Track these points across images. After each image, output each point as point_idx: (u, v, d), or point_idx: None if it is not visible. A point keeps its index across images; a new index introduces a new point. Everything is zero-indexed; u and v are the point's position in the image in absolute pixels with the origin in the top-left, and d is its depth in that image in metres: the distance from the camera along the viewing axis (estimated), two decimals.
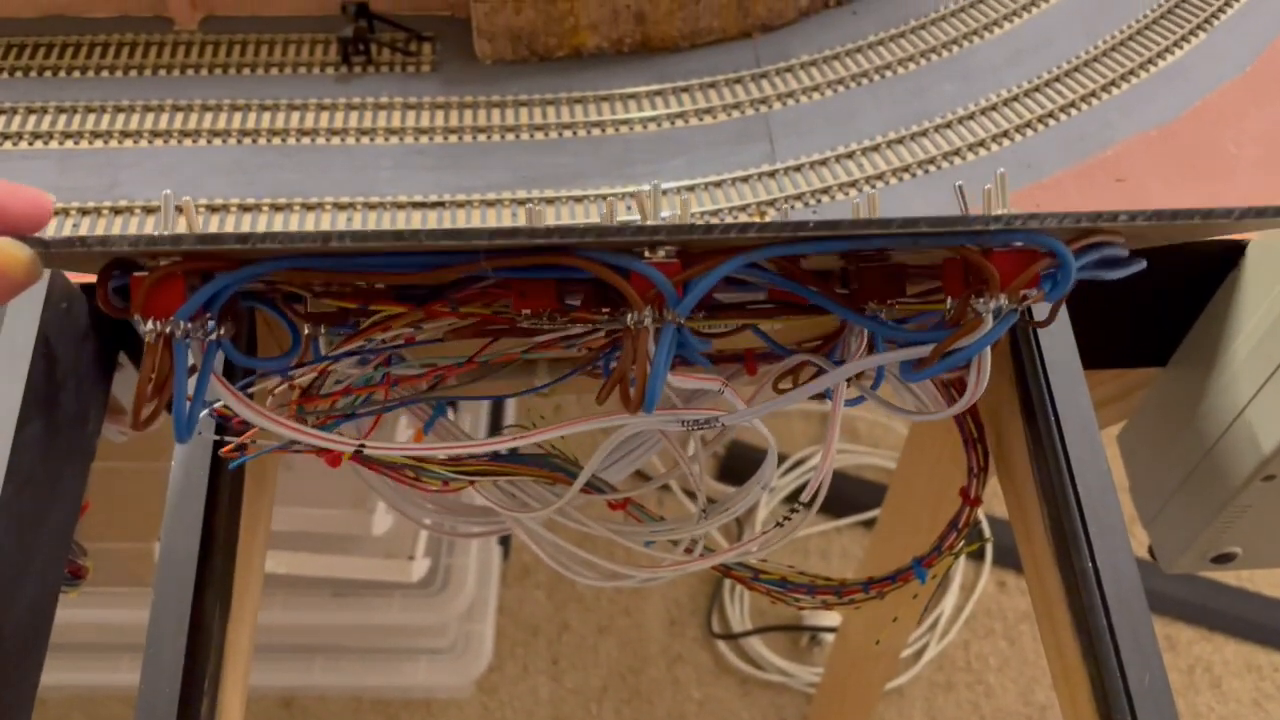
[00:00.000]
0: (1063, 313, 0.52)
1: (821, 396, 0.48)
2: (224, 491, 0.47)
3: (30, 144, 0.60)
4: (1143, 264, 0.37)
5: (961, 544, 0.54)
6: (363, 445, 0.36)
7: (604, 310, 0.34)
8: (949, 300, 0.35)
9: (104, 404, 0.54)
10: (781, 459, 1.43)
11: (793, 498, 1.47)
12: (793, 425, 1.52)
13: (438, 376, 0.42)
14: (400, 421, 0.90)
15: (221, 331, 0.33)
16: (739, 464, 1.40)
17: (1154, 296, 0.57)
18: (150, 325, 0.31)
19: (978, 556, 1.43)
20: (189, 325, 0.32)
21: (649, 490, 0.50)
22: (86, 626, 1.15)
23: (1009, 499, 0.52)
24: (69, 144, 0.60)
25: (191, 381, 0.33)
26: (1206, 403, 0.56)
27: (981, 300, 0.33)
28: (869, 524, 1.42)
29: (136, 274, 0.32)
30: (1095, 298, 0.54)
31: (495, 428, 1.26)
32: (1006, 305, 0.33)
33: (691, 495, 0.90)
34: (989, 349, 0.36)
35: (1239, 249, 0.54)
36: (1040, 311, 0.40)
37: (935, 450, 0.83)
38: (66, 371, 0.51)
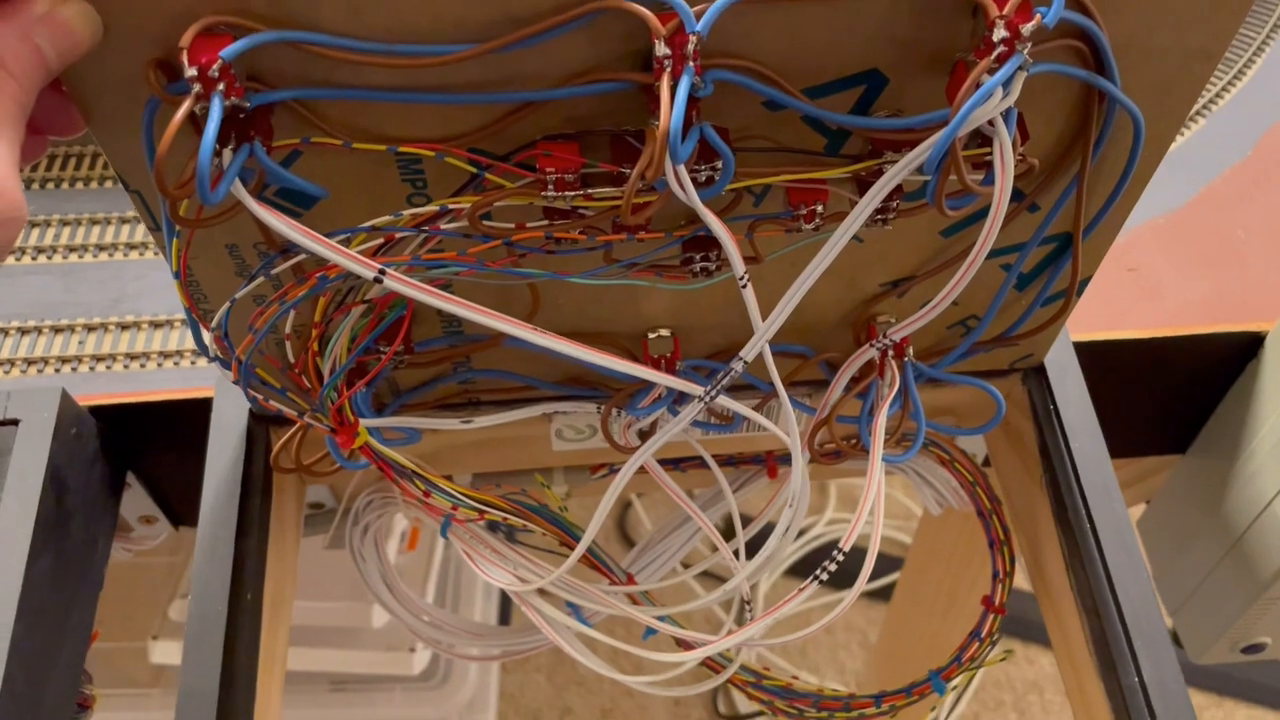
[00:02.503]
0: (1090, 413, 0.52)
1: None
2: (244, 628, 0.46)
3: (34, 259, 0.59)
4: None
5: (986, 653, 0.53)
6: (383, 270, 0.33)
7: (625, 166, 0.34)
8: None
9: (113, 527, 0.53)
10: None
11: (797, 570, 1.45)
12: None
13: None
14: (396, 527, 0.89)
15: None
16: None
17: (1173, 385, 0.57)
18: (192, 70, 0.30)
19: None
20: (230, 70, 0.30)
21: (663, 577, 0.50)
22: None
23: (1044, 605, 0.51)
24: (74, 258, 0.59)
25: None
26: (1232, 493, 0.55)
27: (985, 34, 0.31)
28: (875, 594, 1.40)
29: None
30: (1115, 385, 0.54)
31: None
32: (1009, 38, 0.31)
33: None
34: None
35: (1258, 340, 0.54)
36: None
37: (950, 542, 0.82)
38: (76, 500, 0.50)
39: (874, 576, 1.43)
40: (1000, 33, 0.32)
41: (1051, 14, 0.32)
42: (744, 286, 0.37)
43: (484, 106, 0.35)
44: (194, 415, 0.49)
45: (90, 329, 0.56)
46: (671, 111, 0.31)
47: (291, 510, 0.51)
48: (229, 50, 0.30)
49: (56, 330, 0.54)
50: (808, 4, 0.33)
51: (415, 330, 0.45)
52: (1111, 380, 0.48)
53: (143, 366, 0.54)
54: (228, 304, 0.37)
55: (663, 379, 0.40)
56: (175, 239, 0.35)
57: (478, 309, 0.35)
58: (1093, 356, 0.52)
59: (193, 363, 0.55)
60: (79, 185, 0.64)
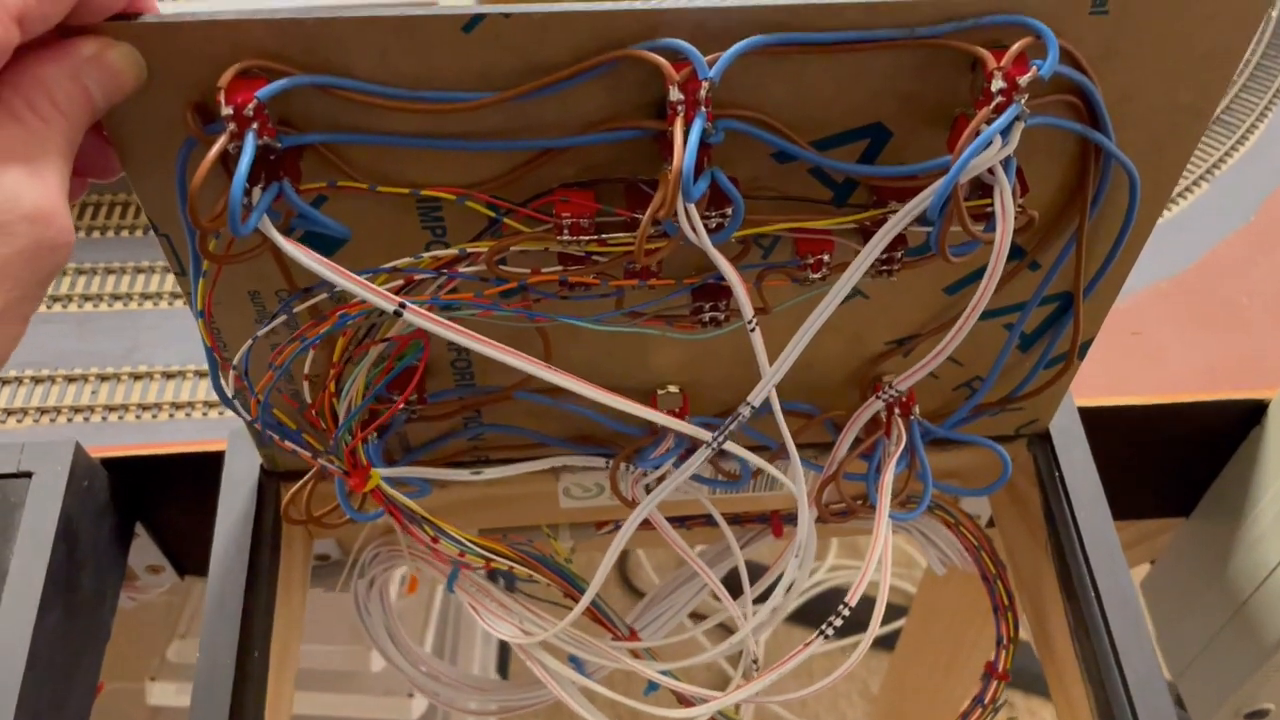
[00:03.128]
0: (1095, 481, 0.52)
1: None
2: (251, 683, 0.46)
3: (49, 307, 0.60)
4: None
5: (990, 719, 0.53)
6: (403, 304, 0.34)
7: (639, 213, 0.35)
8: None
9: (121, 579, 0.53)
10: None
11: (797, 617, 1.42)
12: None
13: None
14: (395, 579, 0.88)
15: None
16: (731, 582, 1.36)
17: (1177, 450, 0.58)
18: (228, 110, 0.31)
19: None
20: (264, 111, 0.32)
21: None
22: None
23: (1048, 670, 0.51)
24: (89, 306, 0.60)
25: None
26: (1235, 558, 0.55)
27: (984, 86, 0.33)
28: (878, 643, 1.37)
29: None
30: (1119, 450, 0.55)
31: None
32: (1006, 89, 0.33)
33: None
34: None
35: (1262, 407, 0.55)
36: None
37: (954, 598, 0.82)
38: (86, 552, 0.50)
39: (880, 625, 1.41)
40: (998, 83, 0.33)
41: (1047, 66, 0.33)
42: (752, 330, 0.38)
43: (504, 155, 0.36)
44: (203, 468, 0.49)
45: (104, 379, 0.56)
46: (685, 152, 0.32)
47: (299, 564, 0.51)
48: (264, 91, 0.32)
49: (70, 379, 0.55)
50: (813, 56, 0.34)
51: (428, 382, 0.46)
52: (1116, 445, 0.48)
53: (154, 417, 0.55)
54: (249, 342, 0.38)
55: (671, 423, 0.41)
56: (202, 279, 0.37)
57: (492, 344, 0.36)
58: (1097, 422, 0.52)
59: (204, 414, 0.55)
60: (95, 235, 0.65)
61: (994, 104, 0.33)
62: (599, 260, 0.37)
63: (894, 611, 1.26)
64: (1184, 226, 0.68)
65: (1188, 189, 0.70)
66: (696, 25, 0.33)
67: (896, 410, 0.47)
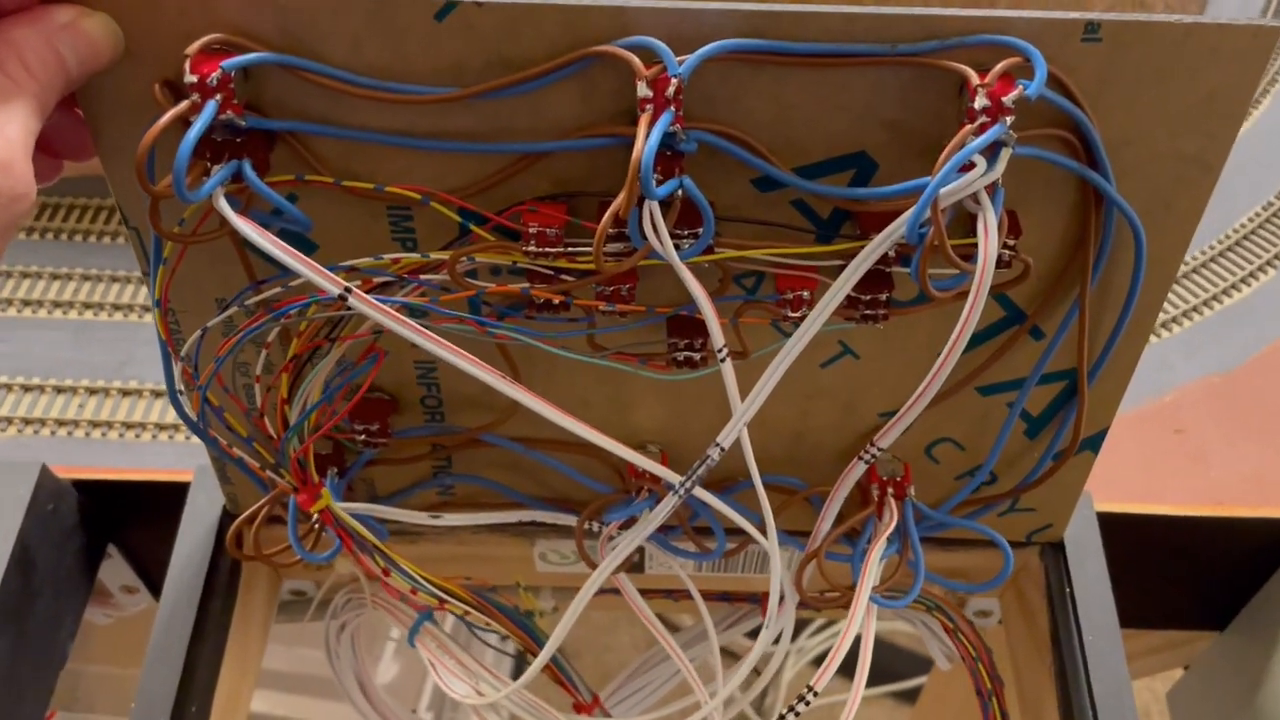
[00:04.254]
0: (1110, 608, 0.49)
1: None
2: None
3: (50, 313, 0.60)
4: None
5: None
6: (348, 288, 0.33)
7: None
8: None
9: (83, 603, 0.51)
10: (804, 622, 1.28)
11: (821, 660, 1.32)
12: None
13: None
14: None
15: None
16: None
17: (1213, 563, 0.53)
18: (193, 77, 0.31)
19: None
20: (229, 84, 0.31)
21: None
22: None
23: None
24: (88, 314, 0.60)
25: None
26: (1273, 679, 0.50)
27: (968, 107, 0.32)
28: (900, 695, 1.28)
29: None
30: (1149, 558, 0.50)
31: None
32: (990, 108, 0.31)
33: None
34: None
35: None
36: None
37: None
38: (45, 577, 0.49)
39: (903, 677, 1.30)
40: (982, 101, 0.32)
41: (1034, 86, 0.32)
42: (723, 360, 0.36)
43: (477, 163, 0.36)
44: (175, 496, 0.48)
45: (93, 392, 0.56)
46: (645, 141, 0.31)
47: (261, 606, 0.49)
48: (230, 62, 0.32)
49: (59, 390, 0.55)
50: (792, 70, 0.34)
51: (396, 420, 0.44)
52: (1146, 553, 0.45)
53: (138, 437, 0.54)
54: (198, 333, 0.37)
55: (641, 460, 0.38)
56: (161, 266, 0.36)
57: (445, 344, 0.34)
58: (1126, 529, 0.49)
59: (188, 438, 0.54)
60: (105, 240, 0.65)
61: (978, 123, 0.32)
62: (566, 280, 0.36)
63: (923, 664, 1.17)
64: (1244, 316, 0.62)
65: (1250, 275, 0.65)
66: (670, 27, 0.33)
67: (890, 489, 0.44)
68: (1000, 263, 0.36)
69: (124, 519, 0.52)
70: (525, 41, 0.33)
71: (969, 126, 0.32)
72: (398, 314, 0.33)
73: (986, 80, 0.32)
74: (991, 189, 0.33)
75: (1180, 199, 0.37)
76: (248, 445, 0.39)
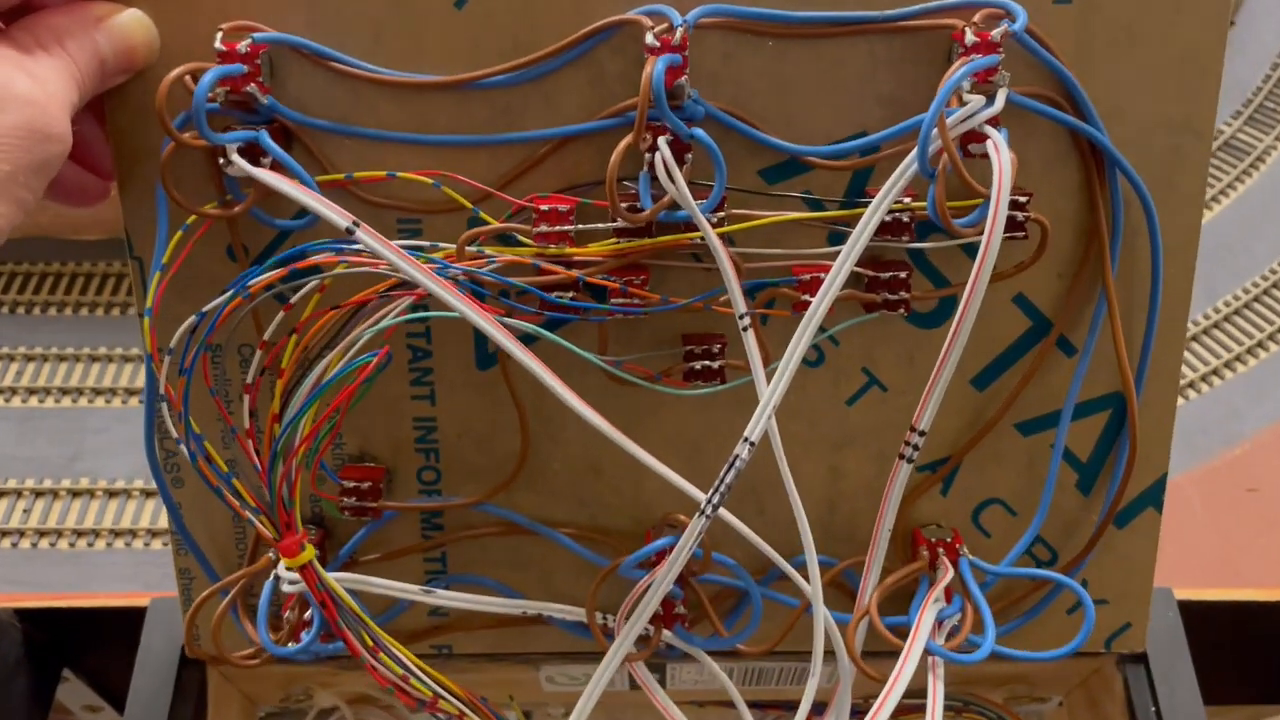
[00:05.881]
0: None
1: None
2: None
3: None
4: None
5: None
6: (356, 222, 0.32)
7: None
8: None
9: None
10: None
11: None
12: None
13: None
14: None
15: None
16: None
17: None
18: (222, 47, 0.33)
19: None
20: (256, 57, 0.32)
21: None
22: None
23: None
24: (33, 401, 0.56)
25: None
26: None
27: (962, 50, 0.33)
28: None
29: None
30: (1236, 640, 0.44)
31: None
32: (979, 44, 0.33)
33: None
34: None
35: None
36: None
37: None
38: None
39: None
40: (971, 38, 0.34)
41: (1018, 25, 0.34)
42: (745, 330, 0.35)
43: (489, 157, 0.37)
44: (130, 622, 0.43)
45: (39, 494, 0.51)
46: (654, 66, 0.32)
47: None
48: (260, 34, 0.34)
49: (2, 494, 0.50)
50: (790, 43, 0.36)
51: (389, 494, 0.41)
52: (1233, 634, 0.40)
53: (90, 545, 0.49)
54: (189, 321, 0.35)
55: (678, 481, 0.36)
56: (159, 272, 0.35)
57: (461, 296, 0.33)
58: (1205, 617, 0.44)
59: (146, 544, 0.49)
60: (51, 311, 0.61)
61: (970, 56, 0.34)
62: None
63: None
64: None
65: None
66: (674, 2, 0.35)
67: (940, 549, 0.41)
68: (1013, 224, 0.36)
69: (78, 645, 0.47)
70: (539, 26, 0.35)
71: (964, 59, 0.34)
72: (403, 253, 0.33)
73: (975, 18, 0.34)
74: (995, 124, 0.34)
75: (1180, 175, 0.38)
76: (228, 483, 0.36)
